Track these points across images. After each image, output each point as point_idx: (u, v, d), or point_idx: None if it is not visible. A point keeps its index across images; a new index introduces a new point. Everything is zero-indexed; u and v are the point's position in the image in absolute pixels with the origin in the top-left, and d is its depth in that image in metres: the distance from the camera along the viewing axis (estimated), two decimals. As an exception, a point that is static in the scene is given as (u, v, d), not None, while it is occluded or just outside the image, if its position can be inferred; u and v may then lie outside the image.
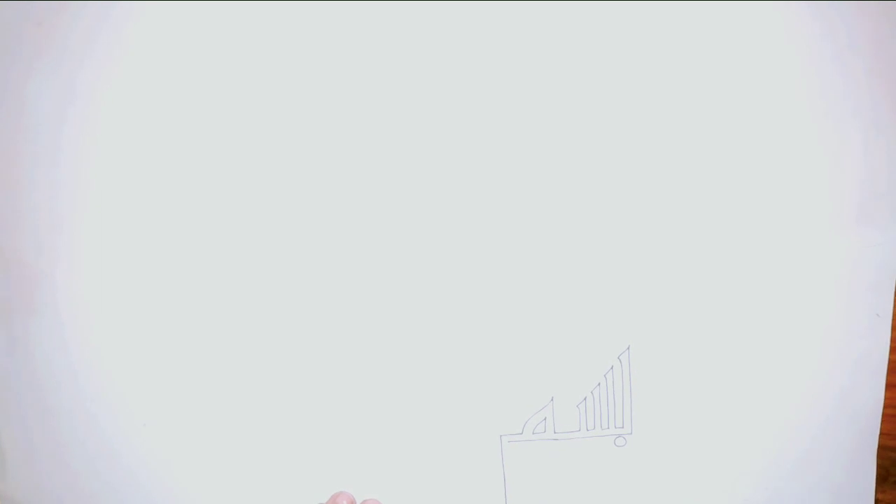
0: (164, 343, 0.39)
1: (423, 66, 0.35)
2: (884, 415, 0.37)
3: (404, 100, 0.36)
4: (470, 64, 0.35)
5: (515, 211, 0.36)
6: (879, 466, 0.37)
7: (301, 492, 0.40)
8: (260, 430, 0.39)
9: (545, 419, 0.38)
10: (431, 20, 0.35)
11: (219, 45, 0.36)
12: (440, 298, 0.37)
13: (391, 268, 0.37)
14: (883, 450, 0.37)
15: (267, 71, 0.36)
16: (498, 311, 0.37)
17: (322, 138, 0.36)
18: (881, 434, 0.37)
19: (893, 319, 0.36)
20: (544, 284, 0.36)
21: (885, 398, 0.37)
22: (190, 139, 0.37)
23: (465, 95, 0.35)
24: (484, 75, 0.35)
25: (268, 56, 0.36)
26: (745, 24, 0.34)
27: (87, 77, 0.37)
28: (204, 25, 0.36)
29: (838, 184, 0.34)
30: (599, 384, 0.37)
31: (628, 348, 0.36)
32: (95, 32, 0.37)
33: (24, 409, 0.41)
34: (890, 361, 0.36)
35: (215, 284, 0.38)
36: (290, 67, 0.36)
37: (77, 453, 0.41)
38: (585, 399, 0.37)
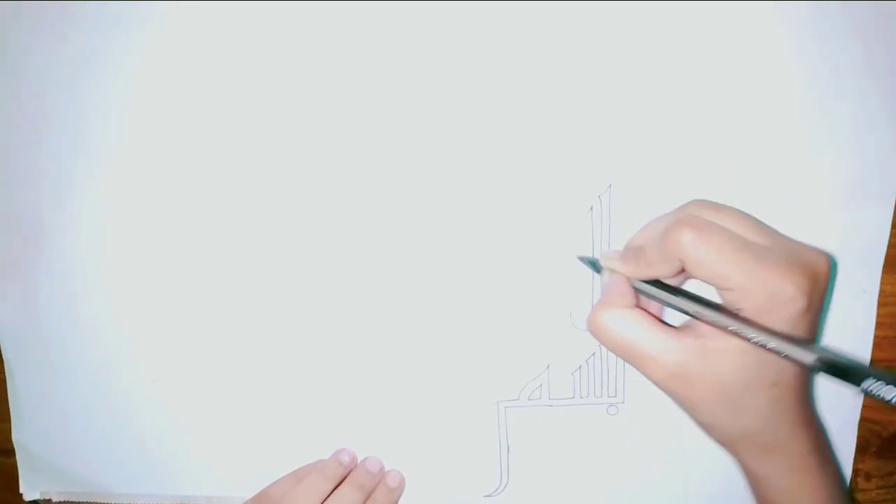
0: (174, 300, 0.40)
1: (422, 66, 0.36)
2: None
3: (402, 100, 0.36)
4: (466, 64, 0.35)
5: (515, 189, 0.37)
6: (860, 437, 0.38)
7: (304, 448, 0.41)
8: (265, 389, 0.41)
9: (541, 386, 0.39)
10: (430, 20, 0.35)
11: (223, 45, 0.37)
12: (441, 268, 0.38)
13: (393, 239, 0.38)
14: (864, 421, 0.38)
15: (271, 70, 0.37)
16: (497, 282, 0.38)
17: (324, 129, 0.37)
18: (863, 406, 0.38)
19: (879, 296, 0.36)
20: (544, 256, 0.37)
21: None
22: (209, 115, 0.38)
23: (462, 95, 0.36)
24: (478, 75, 0.35)
25: (271, 55, 0.36)
26: (740, 15, 0.34)
27: (98, 57, 0.38)
28: (209, 25, 0.36)
29: (829, 164, 0.35)
30: (594, 354, 0.38)
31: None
32: (104, 30, 0.37)
33: (38, 362, 0.42)
34: (875, 337, 0.37)
35: (225, 240, 0.39)
36: (292, 66, 0.36)
37: (87, 405, 0.42)
38: (580, 368, 0.38)
